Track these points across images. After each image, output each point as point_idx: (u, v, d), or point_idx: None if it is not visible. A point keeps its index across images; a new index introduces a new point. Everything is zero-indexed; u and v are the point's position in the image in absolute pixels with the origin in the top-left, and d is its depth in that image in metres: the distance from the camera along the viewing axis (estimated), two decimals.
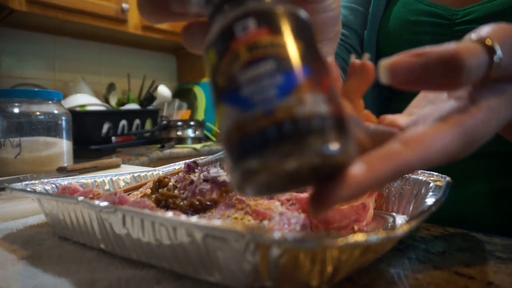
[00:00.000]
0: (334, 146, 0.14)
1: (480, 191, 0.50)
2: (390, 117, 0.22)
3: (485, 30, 0.20)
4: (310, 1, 0.22)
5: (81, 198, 0.29)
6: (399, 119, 0.22)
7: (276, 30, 0.15)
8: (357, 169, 0.16)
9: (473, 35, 0.19)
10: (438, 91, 0.21)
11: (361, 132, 0.19)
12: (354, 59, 0.22)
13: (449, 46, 0.18)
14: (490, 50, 0.18)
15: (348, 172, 0.16)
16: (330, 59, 0.21)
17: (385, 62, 0.19)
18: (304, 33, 0.16)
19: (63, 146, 0.79)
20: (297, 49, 0.15)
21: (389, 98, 0.58)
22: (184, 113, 1.97)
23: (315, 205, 0.16)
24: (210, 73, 0.17)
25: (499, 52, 0.18)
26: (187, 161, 0.48)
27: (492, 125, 0.19)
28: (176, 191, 0.37)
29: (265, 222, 0.29)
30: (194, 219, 0.22)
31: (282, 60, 0.15)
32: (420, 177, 0.37)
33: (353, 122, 0.18)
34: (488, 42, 0.18)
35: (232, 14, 0.16)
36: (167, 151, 1.46)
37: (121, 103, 1.94)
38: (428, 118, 0.20)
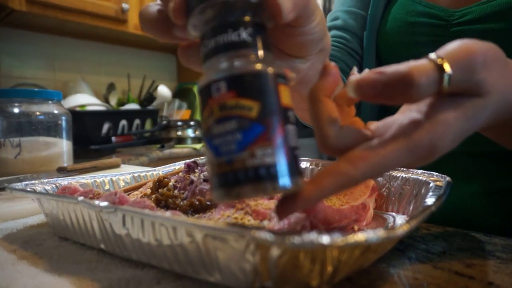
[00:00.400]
0: (278, 186, 0.19)
1: (479, 191, 0.50)
2: (374, 124, 0.23)
3: (443, 49, 0.22)
4: (293, 25, 0.24)
5: (81, 198, 0.29)
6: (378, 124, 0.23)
7: (240, 93, 0.19)
8: (308, 186, 0.20)
9: (431, 54, 0.21)
10: (398, 104, 0.22)
11: (335, 130, 0.21)
12: (354, 72, 0.24)
13: (404, 65, 0.20)
14: (440, 69, 0.20)
15: (302, 189, 0.20)
16: (333, 64, 0.23)
17: (352, 80, 0.21)
18: (265, 92, 0.19)
19: (63, 146, 0.79)
20: (255, 109, 0.19)
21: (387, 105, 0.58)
22: (184, 113, 1.97)
23: (279, 211, 0.21)
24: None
25: (448, 70, 0.20)
26: (187, 161, 0.48)
27: (448, 138, 0.21)
28: (176, 191, 0.37)
29: (265, 222, 0.29)
30: (194, 219, 0.22)
31: (242, 120, 0.19)
32: (420, 177, 0.37)
33: (329, 121, 0.21)
34: (439, 61, 0.20)
35: (211, 73, 0.20)
36: (167, 151, 1.46)
37: (121, 103, 1.94)
38: (392, 126, 0.22)
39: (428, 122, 0.21)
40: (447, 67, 0.20)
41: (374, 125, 0.23)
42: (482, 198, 0.49)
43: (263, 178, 0.19)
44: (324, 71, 0.23)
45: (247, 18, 0.20)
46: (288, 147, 0.19)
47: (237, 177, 0.19)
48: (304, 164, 0.52)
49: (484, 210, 0.49)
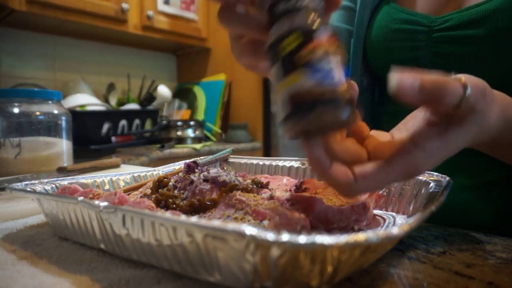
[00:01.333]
0: (357, 116, 0.25)
1: (466, 184, 0.50)
2: (375, 141, 0.28)
3: (461, 74, 0.26)
4: None
5: (81, 198, 0.29)
6: (384, 136, 0.28)
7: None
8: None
9: (453, 76, 0.25)
10: (428, 107, 0.27)
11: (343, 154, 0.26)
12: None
13: (441, 76, 0.24)
14: (464, 87, 0.25)
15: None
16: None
17: (395, 75, 0.24)
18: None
19: (63, 146, 0.79)
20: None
21: (380, 102, 0.63)
22: (184, 113, 1.97)
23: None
24: (291, 48, 0.24)
25: (469, 89, 0.25)
26: (187, 161, 0.48)
27: (430, 163, 0.26)
28: (176, 191, 0.37)
29: (265, 222, 0.29)
30: (194, 219, 0.22)
31: (343, 60, 0.24)
32: (420, 177, 0.37)
33: (340, 153, 0.26)
34: (463, 80, 0.25)
35: (313, 18, 0.25)
36: (167, 151, 1.46)
37: (121, 103, 1.93)
38: (388, 148, 0.27)
39: (416, 150, 0.25)
40: (468, 86, 0.25)
41: (373, 143, 0.28)
42: (470, 191, 0.50)
43: (352, 106, 0.24)
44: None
45: None
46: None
47: (339, 102, 0.23)
48: (295, 164, 0.53)
49: (473, 203, 0.50)
